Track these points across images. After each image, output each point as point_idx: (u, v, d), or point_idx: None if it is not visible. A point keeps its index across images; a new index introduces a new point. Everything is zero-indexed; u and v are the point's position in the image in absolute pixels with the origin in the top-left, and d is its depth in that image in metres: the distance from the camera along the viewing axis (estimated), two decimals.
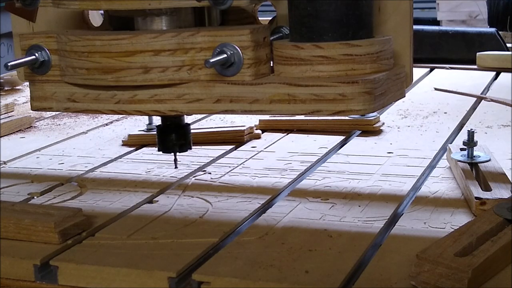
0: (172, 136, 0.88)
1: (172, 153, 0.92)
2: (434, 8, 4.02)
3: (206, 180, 0.99)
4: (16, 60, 0.80)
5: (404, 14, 0.80)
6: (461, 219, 0.81)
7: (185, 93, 0.77)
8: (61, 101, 0.82)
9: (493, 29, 1.94)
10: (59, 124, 1.38)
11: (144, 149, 1.16)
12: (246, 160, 1.08)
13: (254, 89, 0.75)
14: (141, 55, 0.75)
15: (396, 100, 0.78)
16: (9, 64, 0.78)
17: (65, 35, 0.79)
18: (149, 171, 1.04)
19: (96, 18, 0.91)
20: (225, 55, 0.74)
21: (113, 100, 0.79)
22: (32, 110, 0.86)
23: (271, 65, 0.78)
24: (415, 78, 1.66)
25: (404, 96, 0.80)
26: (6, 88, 1.72)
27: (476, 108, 1.39)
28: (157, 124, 0.90)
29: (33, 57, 0.81)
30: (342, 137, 1.18)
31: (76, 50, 0.77)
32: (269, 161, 1.07)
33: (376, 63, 0.74)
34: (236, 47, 0.74)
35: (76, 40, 0.77)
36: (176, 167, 0.93)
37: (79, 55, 0.77)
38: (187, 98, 0.77)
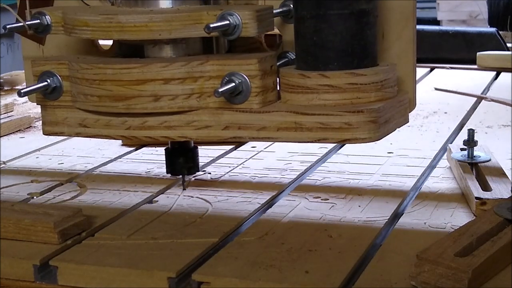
0: (180, 160, 0.90)
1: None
2: (434, 8, 4.03)
3: (206, 180, 0.99)
4: (29, 87, 0.81)
5: (407, 41, 0.81)
6: (461, 219, 0.81)
7: (194, 120, 0.78)
8: (73, 126, 0.83)
9: (493, 29, 1.94)
10: None
11: (144, 149, 1.16)
12: (246, 160, 1.08)
13: (261, 117, 0.76)
14: (151, 84, 0.76)
15: (400, 126, 0.79)
16: (22, 91, 0.79)
17: (77, 62, 0.80)
18: (149, 171, 1.04)
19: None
20: (234, 84, 0.75)
21: (123, 126, 0.80)
22: (44, 135, 0.86)
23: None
24: None
25: (408, 122, 0.81)
26: (6, 88, 1.72)
27: (476, 108, 1.39)
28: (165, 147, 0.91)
29: (45, 83, 0.82)
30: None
31: (88, 77, 0.78)
32: (269, 161, 1.07)
33: (381, 91, 0.75)
34: (244, 76, 0.75)
35: (87, 68, 0.78)
36: (184, 189, 0.94)
37: (91, 83, 0.78)
38: (196, 125, 0.78)
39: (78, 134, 0.83)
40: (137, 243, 0.78)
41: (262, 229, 0.80)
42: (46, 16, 0.81)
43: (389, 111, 0.76)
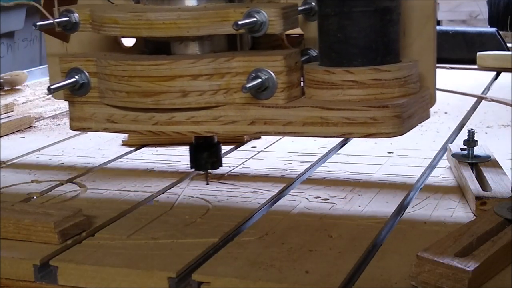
0: (205, 155, 0.91)
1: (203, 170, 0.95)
2: None
3: (206, 180, 0.99)
4: (58, 83, 0.82)
5: (428, 38, 0.83)
6: (461, 219, 0.81)
7: (221, 115, 0.79)
8: (100, 121, 0.84)
9: (493, 29, 1.93)
10: (59, 124, 1.38)
11: (144, 149, 1.16)
12: (246, 160, 1.08)
13: (287, 112, 0.77)
14: (179, 80, 0.77)
15: (422, 122, 0.80)
16: (51, 87, 0.80)
17: (105, 59, 0.81)
18: (149, 171, 1.04)
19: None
20: (260, 80, 0.76)
21: (151, 122, 0.81)
22: (72, 130, 0.88)
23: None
24: None
25: (429, 117, 0.82)
26: (6, 88, 1.72)
27: (476, 108, 1.39)
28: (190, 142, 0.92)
29: (74, 79, 0.83)
30: (343, 137, 1.18)
31: (116, 74, 0.79)
32: (269, 161, 1.07)
33: (404, 87, 0.77)
34: (270, 72, 0.76)
35: (116, 65, 0.79)
36: (207, 184, 0.96)
37: (119, 79, 0.79)
38: (222, 120, 0.79)
39: (105, 130, 0.84)
40: (137, 243, 0.78)
41: (262, 229, 0.80)
42: (74, 14, 0.82)
43: (412, 106, 0.77)
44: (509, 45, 1.90)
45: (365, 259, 0.73)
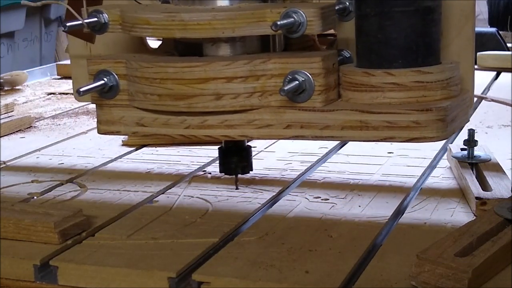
0: (235, 159, 0.89)
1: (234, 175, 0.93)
2: None
3: (206, 180, 0.99)
4: (87, 85, 0.80)
5: (467, 38, 0.80)
6: (461, 219, 0.81)
7: (256, 118, 0.77)
8: (129, 125, 0.82)
9: (493, 29, 1.93)
10: (59, 124, 1.38)
11: (144, 149, 1.16)
12: None
13: (325, 115, 0.75)
14: (213, 82, 0.75)
15: (463, 125, 0.79)
16: (81, 90, 0.78)
17: (135, 61, 0.79)
18: (149, 171, 1.04)
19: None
20: (297, 82, 0.74)
21: (182, 125, 0.79)
22: (100, 134, 0.85)
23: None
24: None
25: (469, 121, 0.80)
26: (6, 88, 1.72)
27: (476, 108, 1.39)
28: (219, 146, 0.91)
29: (102, 82, 0.80)
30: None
31: (148, 76, 0.77)
32: (269, 161, 1.07)
33: (446, 89, 0.75)
34: (308, 74, 0.74)
35: (148, 67, 0.77)
36: (237, 188, 0.94)
37: (151, 81, 0.77)
38: (257, 124, 0.77)
39: (135, 133, 0.82)
40: (137, 243, 0.78)
41: (262, 229, 0.80)
42: (104, 14, 0.80)
43: (455, 109, 0.75)
44: (509, 45, 1.90)
45: (365, 259, 0.73)
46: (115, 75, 0.81)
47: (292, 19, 0.73)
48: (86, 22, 0.79)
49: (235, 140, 0.87)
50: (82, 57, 0.83)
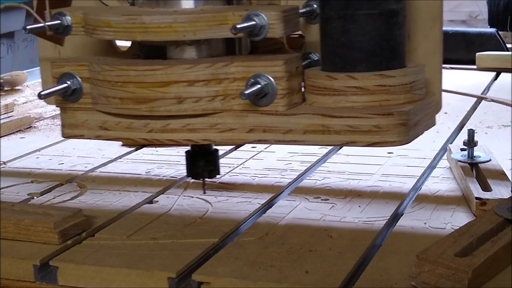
0: (201, 163, 0.88)
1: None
2: None
3: (206, 180, 0.99)
4: (49, 88, 0.79)
5: (434, 41, 0.79)
6: (461, 219, 0.81)
7: (218, 122, 0.76)
8: (93, 128, 0.81)
9: (493, 29, 1.93)
10: (59, 124, 1.37)
11: (144, 149, 1.16)
12: (246, 160, 1.08)
13: (288, 119, 0.74)
14: (175, 86, 0.75)
15: (428, 129, 0.78)
16: (42, 93, 0.77)
17: (98, 64, 0.78)
18: (149, 171, 1.04)
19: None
20: (259, 86, 0.73)
21: (145, 129, 0.78)
22: (63, 137, 0.85)
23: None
24: None
25: (435, 125, 0.79)
26: (6, 88, 1.72)
27: (476, 108, 1.39)
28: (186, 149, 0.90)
29: (65, 85, 0.80)
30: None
31: (110, 79, 0.77)
32: (269, 161, 1.07)
33: (410, 93, 0.74)
34: (270, 77, 0.74)
35: (109, 70, 0.77)
36: (204, 192, 0.94)
37: (113, 85, 0.77)
38: (220, 128, 0.77)
39: (98, 137, 0.81)
40: (137, 243, 0.78)
41: (262, 229, 0.80)
42: (67, 17, 0.79)
43: (418, 113, 0.74)
44: (508, 45, 1.90)
45: (365, 259, 0.73)
46: (79, 78, 0.80)
47: (253, 22, 0.73)
48: (48, 25, 0.79)
49: (202, 144, 0.86)
50: (51, 60, 0.83)
